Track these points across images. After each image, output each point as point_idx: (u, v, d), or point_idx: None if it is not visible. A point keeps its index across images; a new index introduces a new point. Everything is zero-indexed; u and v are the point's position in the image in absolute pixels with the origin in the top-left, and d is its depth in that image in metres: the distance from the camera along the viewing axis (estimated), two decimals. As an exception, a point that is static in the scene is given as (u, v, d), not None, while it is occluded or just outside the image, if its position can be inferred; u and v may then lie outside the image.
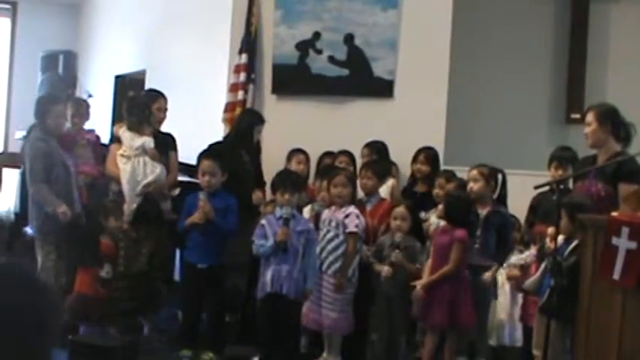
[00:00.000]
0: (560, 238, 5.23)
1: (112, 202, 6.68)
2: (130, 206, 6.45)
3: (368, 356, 6.34)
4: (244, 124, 7.20)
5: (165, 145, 6.83)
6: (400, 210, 6.27)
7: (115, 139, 6.77)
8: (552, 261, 5.18)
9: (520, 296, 6.36)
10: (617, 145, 5.57)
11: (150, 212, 6.49)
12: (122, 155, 6.54)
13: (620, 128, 5.56)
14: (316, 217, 6.47)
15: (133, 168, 6.47)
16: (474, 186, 6.21)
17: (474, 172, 6.25)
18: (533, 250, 6.14)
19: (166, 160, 6.72)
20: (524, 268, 6.19)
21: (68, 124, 7.11)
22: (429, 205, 6.58)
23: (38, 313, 1.52)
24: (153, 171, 6.48)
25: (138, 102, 6.90)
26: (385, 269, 6.15)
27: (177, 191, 6.89)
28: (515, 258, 6.37)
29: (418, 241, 6.33)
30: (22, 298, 1.50)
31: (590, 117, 5.58)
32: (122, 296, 6.41)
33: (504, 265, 6.47)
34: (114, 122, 10.51)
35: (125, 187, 6.49)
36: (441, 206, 6.14)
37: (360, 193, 6.70)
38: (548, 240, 5.44)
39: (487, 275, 6.03)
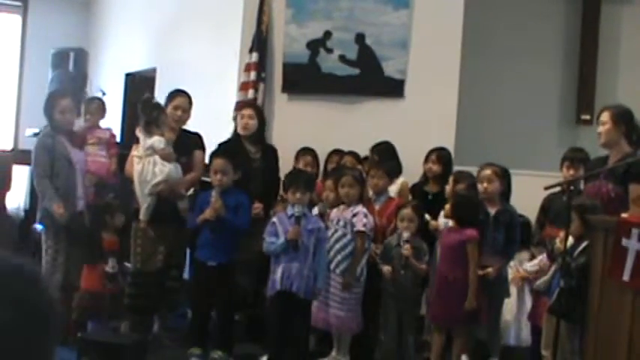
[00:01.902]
0: (571, 239, 5.23)
1: (116, 199, 6.70)
2: (142, 206, 6.46)
3: (377, 355, 6.34)
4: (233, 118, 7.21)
5: (190, 144, 6.82)
6: (407, 211, 6.25)
7: (136, 139, 6.78)
8: (562, 262, 5.18)
9: (528, 296, 6.36)
10: (628, 147, 5.56)
11: (166, 212, 6.51)
12: (136, 156, 6.56)
13: (634, 131, 5.56)
14: (321, 217, 6.46)
15: (142, 168, 6.48)
16: (489, 186, 6.19)
17: (488, 172, 6.23)
18: (544, 255, 6.14)
19: (187, 160, 6.71)
20: (539, 272, 6.19)
21: (81, 121, 7.13)
22: (440, 204, 6.56)
23: (39, 311, 1.51)
24: (162, 170, 6.47)
25: (148, 104, 6.90)
26: (385, 268, 6.15)
27: (191, 190, 6.89)
28: (530, 265, 6.36)
29: (425, 242, 6.31)
30: (23, 295, 1.49)
31: (605, 116, 5.56)
32: (137, 293, 6.44)
33: (512, 265, 6.48)
34: (124, 120, 10.56)
35: (136, 186, 6.50)
36: (447, 206, 6.14)
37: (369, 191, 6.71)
38: (558, 241, 5.43)
39: (489, 271, 6.01)
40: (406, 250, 6.10)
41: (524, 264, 6.45)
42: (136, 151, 6.60)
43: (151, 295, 6.48)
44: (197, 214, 6.27)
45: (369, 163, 7.06)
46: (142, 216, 6.47)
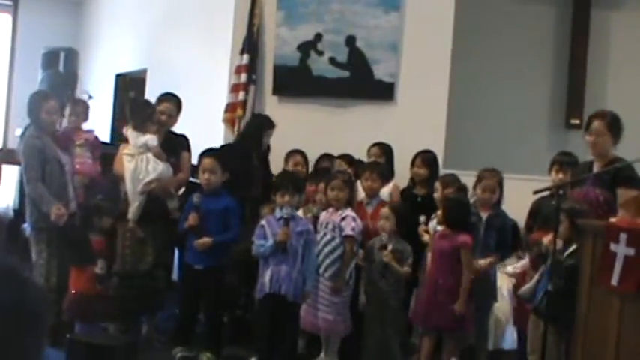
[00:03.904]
0: (559, 243, 5.23)
1: (105, 201, 6.69)
2: (133, 204, 6.46)
3: (364, 358, 6.33)
4: (252, 128, 7.25)
5: (177, 145, 6.84)
6: (384, 210, 6.24)
7: (124, 140, 6.78)
8: (552, 261, 5.16)
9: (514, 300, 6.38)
10: (613, 152, 5.59)
11: (155, 211, 6.50)
12: (127, 154, 6.56)
13: (620, 135, 5.57)
14: (315, 220, 6.46)
15: (135, 166, 6.47)
16: (493, 196, 6.20)
17: (494, 182, 6.23)
18: (526, 259, 6.15)
19: (176, 161, 6.73)
20: (520, 275, 6.21)
21: (65, 122, 7.11)
22: (429, 207, 6.58)
23: (29, 311, 1.52)
24: (155, 169, 6.48)
25: (139, 102, 6.91)
26: (385, 252, 6.09)
27: (181, 191, 6.90)
28: (511, 267, 6.37)
29: (411, 244, 6.26)
30: (13, 295, 1.50)
31: (599, 126, 5.51)
32: (127, 295, 6.42)
33: (501, 268, 6.50)
34: (114, 120, 10.55)
35: (128, 185, 6.49)
36: (439, 212, 6.14)
37: (361, 195, 6.72)
38: (546, 242, 5.42)
39: (482, 263, 6.04)
40: (386, 256, 6.10)
41: (507, 267, 6.48)
42: (127, 150, 6.59)
43: (139, 296, 6.48)
44: (184, 219, 6.27)
45: (366, 164, 7.05)
46: (131, 215, 6.46)
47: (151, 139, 6.51)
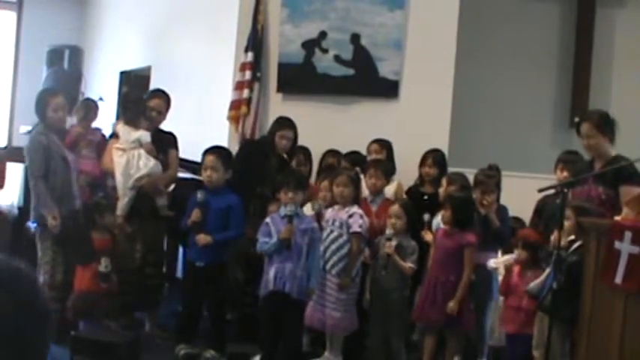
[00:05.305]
0: (563, 240, 5.23)
1: (105, 198, 6.70)
2: (122, 199, 6.46)
3: (368, 356, 6.33)
4: (268, 132, 7.30)
5: (165, 143, 6.81)
6: (395, 208, 6.24)
7: (114, 135, 6.78)
8: (557, 257, 5.17)
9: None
10: (612, 149, 5.58)
11: (143, 207, 6.50)
12: (118, 148, 6.56)
13: (614, 131, 5.57)
14: (318, 217, 6.45)
15: (127, 161, 6.48)
16: (490, 199, 6.20)
17: (490, 185, 6.24)
18: (514, 255, 6.14)
19: (164, 158, 6.72)
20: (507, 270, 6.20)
21: (73, 120, 7.11)
22: (435, 206, 6.56)
23: (38, 310, 1.53)
24: (146, 164, 6.48)
25: (132, 97, 6.91)
26: (387, 244, 6.08)
27: (170, 188, 6.90)
28: (493, 261, 6.37)
29: (418, 242, 6.27)
30: (22, 296, 1.51)
31: (589, 130, 5.54)
32: (121, 291, 6.43)
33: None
34: (118, 118, 10.56)
35: (118, 179, 6.49)
36: (445, 212, 6.12)
37: (365, 192, 6.71)
38: (552, 238, 5.42)
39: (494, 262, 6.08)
40: (388, 247, 6.08)
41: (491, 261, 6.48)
42: (117, 144, 6.59)
43: (128, 292, 6.46)
44: (188, 216, 6.27)
45: (370, 161, 7.04)
46: (119, 210, 6.47)
47: (144, 135, 6.52)
